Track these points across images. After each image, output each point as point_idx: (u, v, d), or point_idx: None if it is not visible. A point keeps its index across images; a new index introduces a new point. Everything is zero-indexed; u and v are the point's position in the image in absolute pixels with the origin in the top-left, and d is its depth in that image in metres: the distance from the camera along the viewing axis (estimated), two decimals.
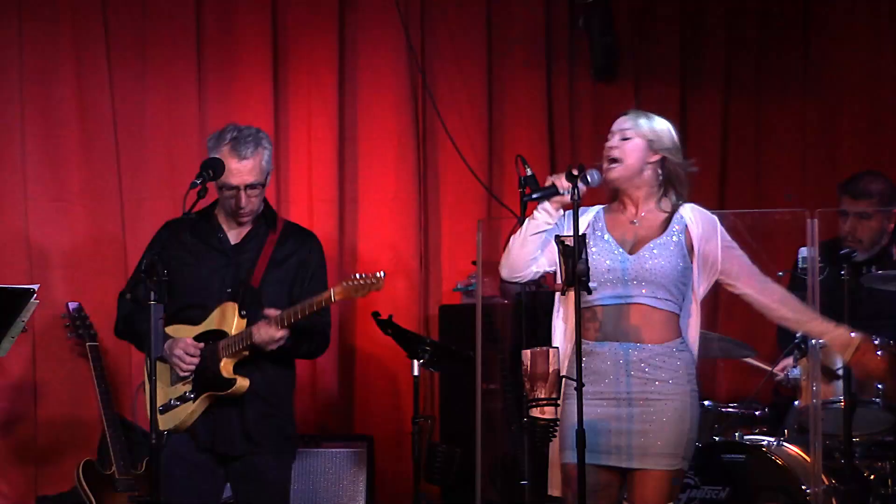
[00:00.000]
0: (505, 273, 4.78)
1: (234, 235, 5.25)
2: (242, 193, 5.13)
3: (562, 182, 4.61)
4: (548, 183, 4.66)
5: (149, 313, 4.62)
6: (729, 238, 4.79)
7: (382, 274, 4.96)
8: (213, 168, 4.97)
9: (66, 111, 6.71)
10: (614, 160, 4.70)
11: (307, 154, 6.94)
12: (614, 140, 4.73)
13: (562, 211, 4.67)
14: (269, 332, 5.02)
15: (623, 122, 4.76)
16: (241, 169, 5.11)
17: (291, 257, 5.25)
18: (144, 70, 6.79)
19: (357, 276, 4.96)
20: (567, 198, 4.59)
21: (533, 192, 4.65)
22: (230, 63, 6.88)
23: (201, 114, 6.81)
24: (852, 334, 4.78)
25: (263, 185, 5.20)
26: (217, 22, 6.88)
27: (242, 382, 5.09)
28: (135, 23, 6.79)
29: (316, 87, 6.96)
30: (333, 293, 4.97)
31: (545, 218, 4.67)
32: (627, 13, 7.20)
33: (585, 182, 4.55)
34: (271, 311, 5.05)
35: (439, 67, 7.08)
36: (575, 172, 4.54)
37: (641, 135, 4.73)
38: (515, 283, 4.88)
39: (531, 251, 4.70)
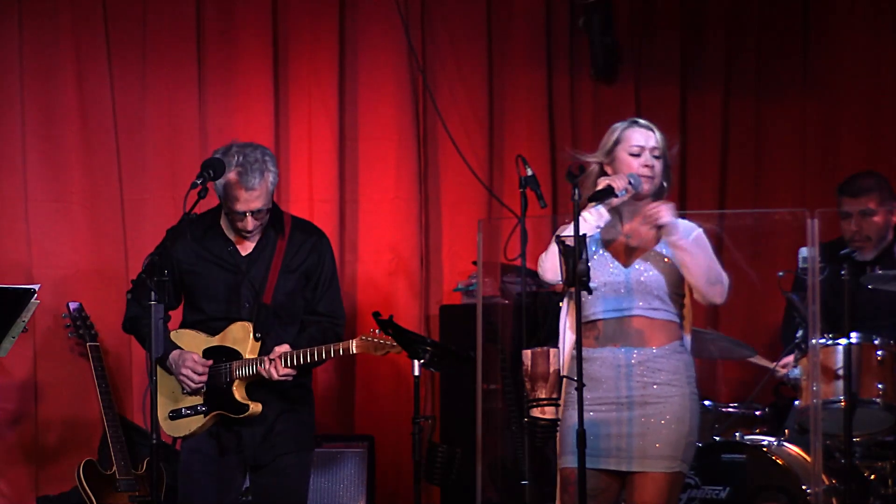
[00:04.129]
0: (549, 276, 4.71)
1: (244, 247, 5.25)
2: (249, 217, 5.14)
3: (617, 183, 4.61)
4: (602, 185, 4.63)
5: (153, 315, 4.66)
6: (694, 239, 4.74)
7: (398, 345, 5.03)
8: (214, 168, 4.97)
9: (66, 111, 6.71)
10: (650, 177, 4.71)
11: (307, 154, 6.94)
12: (648, 158, 4.72)
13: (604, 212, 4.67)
14: (277, 370, 5.05)
15: (652, 138, 4.76)
16: (249, 198, 5.11)
17: (303, 264, 5.27)
18: (144, 70, 6.80)
19: (376, 331, 5.01)
20: (618, 200, 4.61)
21: (592, 195, 4.62)
22: (230, 63, 6.88)
23: (201, 114, 6.81)
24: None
25: (269, 205, 5.20)
26: (217, 22, 6.88)
27: (255, 409, 5.12)
28: (135, 23, 6.79)
29: (316, 87, 6.96)
30: (353, 345, 5.04)
31: (595, 220, 4.65)
32: (627, 13, 7.20)
33: (630, 184, 4.60)
34: (280, 348, 5.08)
35: (439, 67, 7.07)
36: (575, 172, 4.56)
37: (663, 154, 4.76)
38: (557, 286, 4.83)
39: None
